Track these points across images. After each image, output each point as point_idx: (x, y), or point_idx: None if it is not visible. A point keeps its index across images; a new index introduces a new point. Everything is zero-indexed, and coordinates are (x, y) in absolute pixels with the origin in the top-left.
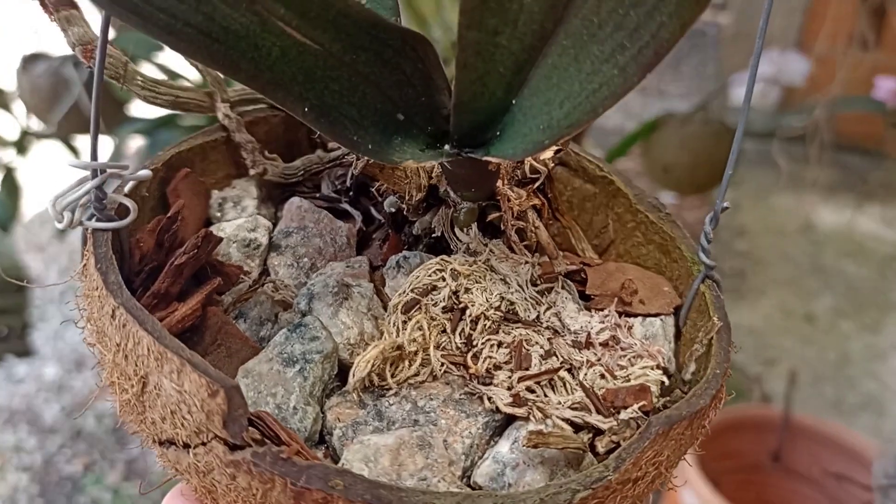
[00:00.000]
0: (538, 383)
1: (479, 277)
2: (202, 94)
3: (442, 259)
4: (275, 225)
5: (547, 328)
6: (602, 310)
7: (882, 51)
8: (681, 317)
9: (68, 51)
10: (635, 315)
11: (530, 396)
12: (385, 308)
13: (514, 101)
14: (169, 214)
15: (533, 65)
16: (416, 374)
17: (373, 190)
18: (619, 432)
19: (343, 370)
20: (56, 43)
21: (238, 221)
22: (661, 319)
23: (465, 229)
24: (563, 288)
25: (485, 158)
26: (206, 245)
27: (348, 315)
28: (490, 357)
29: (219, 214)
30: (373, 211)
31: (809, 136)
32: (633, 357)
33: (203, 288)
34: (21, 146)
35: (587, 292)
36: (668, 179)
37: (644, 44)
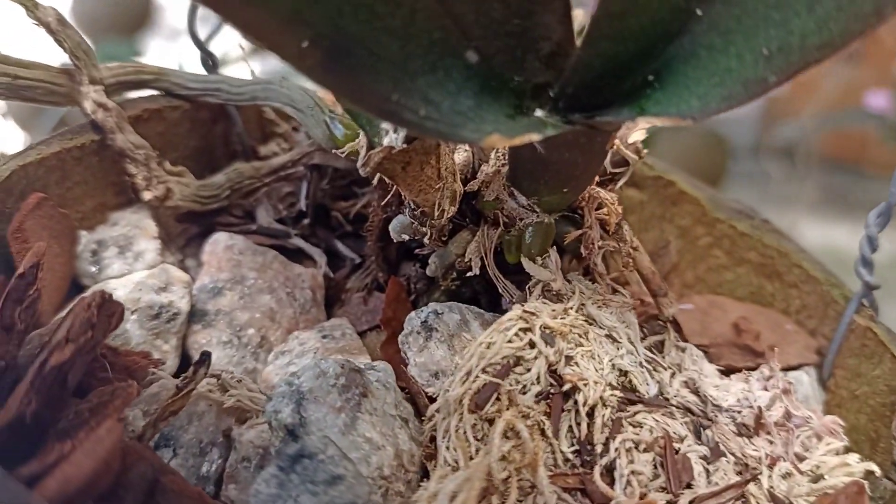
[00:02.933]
0: None
1: (581, 336)
2: (56, 73)
3: (525, 311)
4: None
5: (678, 407)
6: (736, 369)
7: (867, 64)
8: (826, 364)
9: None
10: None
11: None
12: (415, 403)
13: (698, 11)
14: (21, 271)
15: None
16: None
17: (336, 215)
18: None
19: None
20: (44, 52)
21: (136, 277)
22: (806, 372)
23: (538, 258)
24: (674, 337)
25: (641, 121)
26: (107, 320)
27: (374, 425)
28: (634, 473)
29: (94, 269)
30: (339, 246)
31: (800, 151)
32: (809, 436)
33: (106, 405)
34: None
35: (688, 341)
36: None
37: None
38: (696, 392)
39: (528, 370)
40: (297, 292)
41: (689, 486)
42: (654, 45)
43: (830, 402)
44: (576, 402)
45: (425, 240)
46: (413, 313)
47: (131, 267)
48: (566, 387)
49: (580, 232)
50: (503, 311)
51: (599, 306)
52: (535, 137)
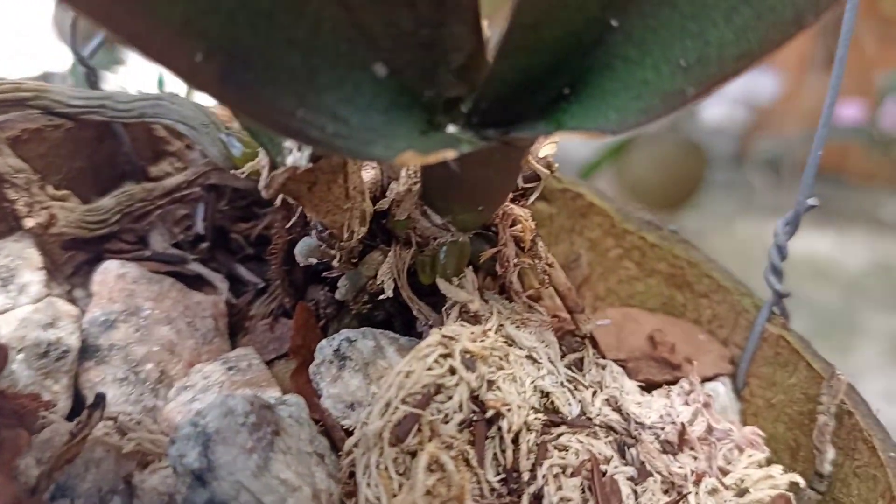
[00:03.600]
0: None
1: (502, 359)
2: None
3: (444, 336)
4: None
5: (602, 426)
6: (655, 383)
7: (847, 73)
8: (740, 374)
9: None
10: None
11: None
12: (330, 436)
13: (614, 22)
14: None
15: None
16: None
17: (236, 237)
18: None
19: None
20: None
21: (20, 312)
22: (722, 382)
23: (454, 278)
24: (593, 354)
25: (558, 136)
26: None
27: (288, 464)
28: (563, 500)
29: None
30: (241, 271)
31: (786, 163)
32: (731, 449)
33: None
34: None
35: (606, 357)
36: (640, 197)
37: None
38: (618, 410)
39: (450, 398)
40: (197, 322)
41: None
42: (568, 57)
43: (746, 412)
44: (500, 429)
45: (334, 262)
46: (324, 341)
47: (15, 301)
48: (489, 413)
49: (495, 250)
50: (419, 334)
51: (518, 326)
52: (450, 155)
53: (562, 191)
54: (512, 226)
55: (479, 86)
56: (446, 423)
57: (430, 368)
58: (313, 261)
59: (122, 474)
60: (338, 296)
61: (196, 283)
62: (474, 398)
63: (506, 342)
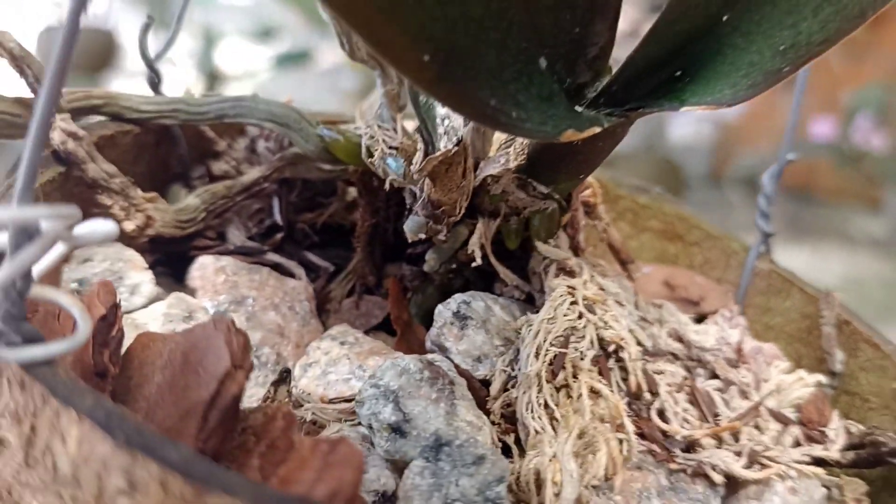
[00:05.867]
0: (748, 426)
1: (604, 303)
2: (11, 103)
3: (569, 287)
4: None
5: (673, 355)
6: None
7: (815, 92)
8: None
9: None
10: (706, 315)
11: (757, 449)
12: (471, 389)
13: (725, 17)
14: (103, 312)
15: None
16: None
17: (303, 226)
18: None
19: None
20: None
21: (157, 308)
22: None
23: (549, 240)
24: (643, 297)
25: (683, 109)
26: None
27: (468, 409)
28: (685, 411)
29: None
30: (311, 257)
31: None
32: (762, 362)
33: (269, 427)
34: None
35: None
36: None
37: None
38: (680, 340)
39: (583, 337)
40: (297, 305)
41: (716, 415)
42: (684, 45)
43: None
44: (619, 360)
45: (440, 236)
46: (440, 306)
47: (129, 302)
48: (611, 348)
49: (570, 214)
50: (499, 295)
51: (603, 277)
52: (596, 130)
53: None
54: (581, 191)
55: (613, 72)
56: (582, 359)
57: (565, 315)
58: (422, 236)
59: None
60: (426, 268)
61: (275, 270)
62: (598, 337)
63: (600, 289)
